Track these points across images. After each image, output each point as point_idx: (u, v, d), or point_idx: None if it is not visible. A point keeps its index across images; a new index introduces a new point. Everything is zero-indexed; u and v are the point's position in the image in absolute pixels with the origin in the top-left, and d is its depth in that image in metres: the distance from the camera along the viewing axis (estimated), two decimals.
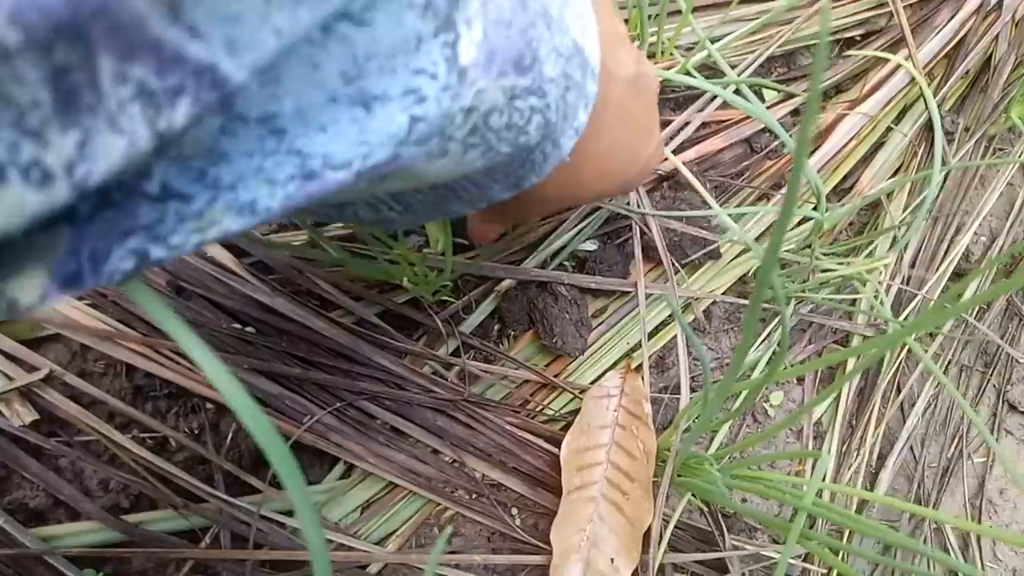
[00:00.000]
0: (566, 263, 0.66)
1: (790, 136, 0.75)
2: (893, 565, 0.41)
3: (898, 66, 0.80)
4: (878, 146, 0.80)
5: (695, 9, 0.74)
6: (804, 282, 0.69)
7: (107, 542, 0.52)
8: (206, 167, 0.18)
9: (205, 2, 0.15)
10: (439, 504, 0.59)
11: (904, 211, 0.78)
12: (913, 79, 0.80)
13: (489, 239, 0.56)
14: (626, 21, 0.71)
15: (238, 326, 0.55)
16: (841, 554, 0.66)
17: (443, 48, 0.21)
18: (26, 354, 0.52)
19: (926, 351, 0.83)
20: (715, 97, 0.74)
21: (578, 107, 0.33)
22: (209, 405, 0.55)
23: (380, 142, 0.21)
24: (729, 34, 0.73)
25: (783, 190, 0.73)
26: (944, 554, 0.44)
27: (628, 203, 0.66)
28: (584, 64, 0.31)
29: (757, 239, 0.71)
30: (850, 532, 0.70)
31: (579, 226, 0.66)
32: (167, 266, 0.55)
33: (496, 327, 0.64)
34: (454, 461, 0.59)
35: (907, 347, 0.79)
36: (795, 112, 0.77)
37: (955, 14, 0.83)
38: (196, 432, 0.55)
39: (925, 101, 0.79)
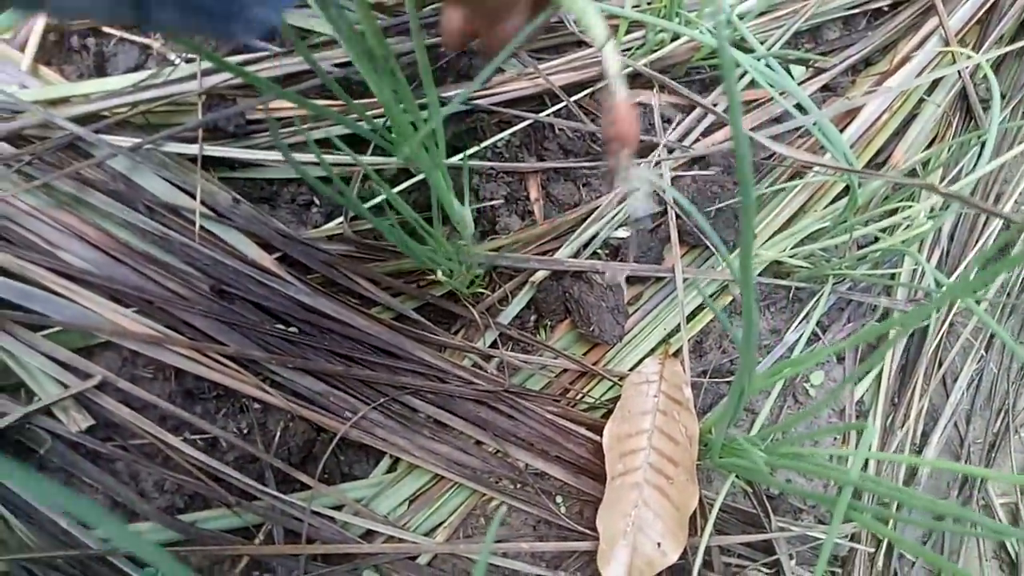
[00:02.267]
0: (599, 251, 0.66)
1: (820, 111, 0.74)
2: (945, 528, 0.41)
3: (928, 35, 0.79)
4: (911, 118, 0.78)
5: None
6: (842, 258, 0.68)
7: (165, 541, 0.53)
8: None
9: None
10: (485, 494, 0.59)
11: (941, 182, 0.76)
12: (946, 46, 0.78)
13: (455, 38, 0.46)
14: (650, 2, 0.70)
15: (281, 327, 0.56)
16: (891, 523, 0.66)
17: None
18: (80, 362, 0.54)
19: (966, 325, 0.82)
20: (742, 76, 0.73)
21: None
22: (256, 405, 0.56)
23: None
24: (753, 12, 0.72)
25: (816, 168, 0.72)
26: (993, 522, 0.44)
27: (663, 191, 0.66)
28: None
29: (789, 221, 0.70)
30: (898, 506, 0.69)
31: (612, 213, 0.66)
32: (209, 271, 0.56)
33: (533, 317, 0.64)
34: (497, 451, 0.60)
35: (948, 322, 0.78)
36: (825, 88, 0.76)
37: None
38: (245, 431, 0.56)
39: (958, 71, 0.78)
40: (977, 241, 0.77)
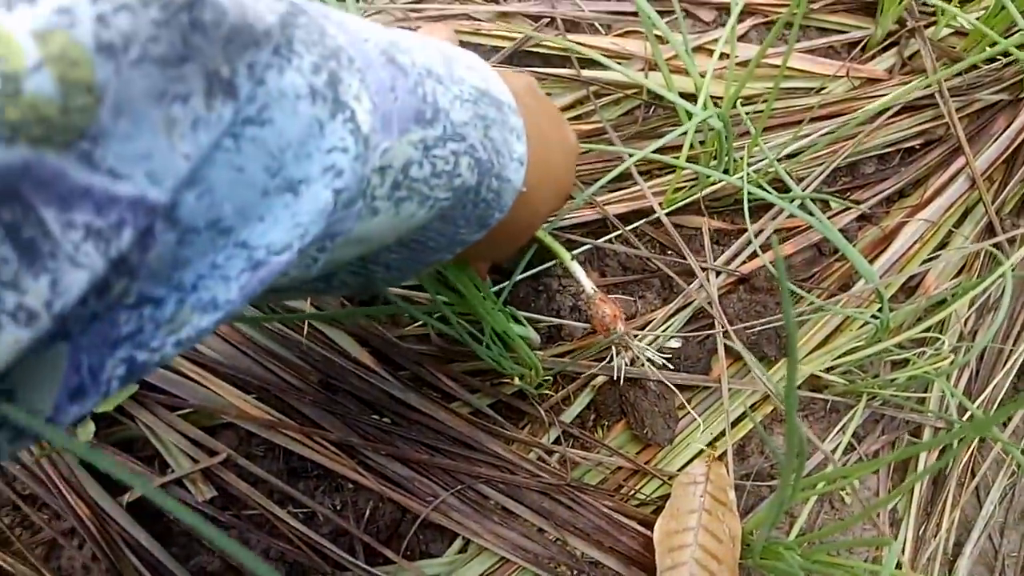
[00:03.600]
0: (652, 360, 0.74)
1: (854, 246, 0.82)
2: None
3: (957, 173, 0.87)
4: (942, 246, 0.86)
5: (768, 128, 0.83)
6: (875, 377, 0.75)
7: None
8: (171, 272, 0.21)
9: (115, 149, 0.18)
10: None
11: (969, 308, 0.83)
12: (973, 184, 0.86)
13: (484, 274, 0.61)
14: (702, 143, 0.80)
15: (376, 417, 0.65)
16: None
17: (345, 124, 0.24)
18: (207, 440, 0.63)
19: (997, 440, 0.86)
20: (782, 212, 0.81)
21: (509, 140, 0.35)
22: (350, 485, 0.65)
23: (312, 220, 0.24)
24: (800, 152, 0.82)
25: (852, 290, 0.80)
26: None
27: (710, 304, 0.74)
28: (497, 103, 0.35)
29: (827, 338, 0.78)
30: None
31: (664, 325, 0.74)
32: (318, 366, 0.65)
33: (592, 417, 0.72)
34: (557, 540, 0.66)
35: (978, 437, 0.83)
36: (860, 218, 0.84)
37: (1011, 122, 0.89)
38: (339, 508, 0.64)
39: (984, 206, 0.85)
40: (1006, 362, 0.83)
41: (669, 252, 0.79)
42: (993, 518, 0.85)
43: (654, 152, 0.70)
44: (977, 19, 0.92)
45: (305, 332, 0.66)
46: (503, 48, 0.80)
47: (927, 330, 0.75)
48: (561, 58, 0.81)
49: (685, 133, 0.72)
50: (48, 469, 0.60)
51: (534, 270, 0.73)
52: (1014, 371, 0.83)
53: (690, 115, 0.68)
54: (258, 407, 0.64)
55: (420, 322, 0.71)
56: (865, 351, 0.73)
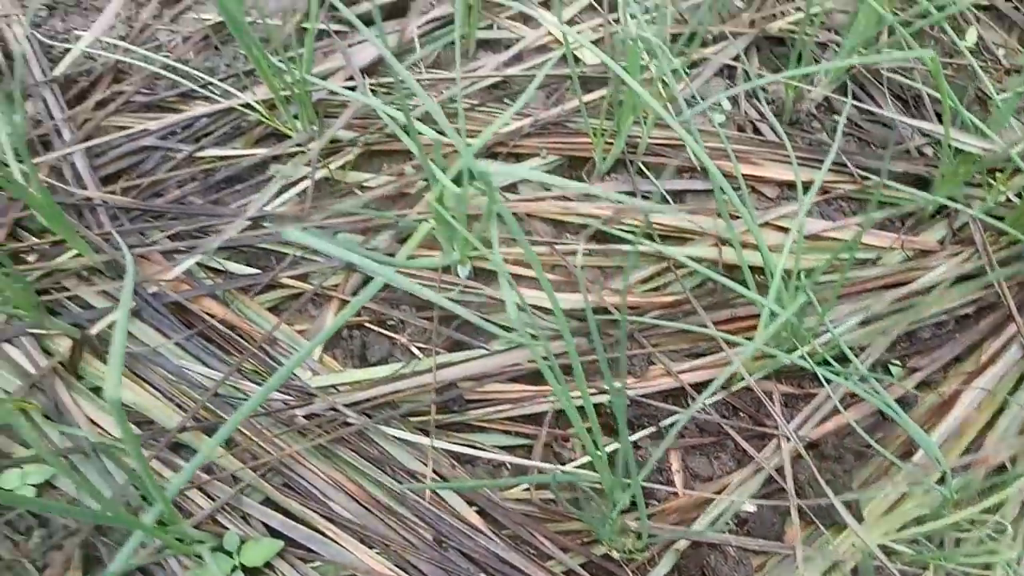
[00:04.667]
0: (730, 522, 0.80)
1: (914, 411, 0.88)
2: None
3: (1010, 339, 0.93)
4: (1000, 411, 0.91)
5: (841, 296, 0.91)
6: (940, 547, 0.80)
7: None
8: None
9: None
10: None
11: None
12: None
13: None
14: (773, 315, 0.88)
15: (484, 574, 0.72)
16: None
17: None
18: None
19: None
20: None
21: None
22: None
23: None
24: (864, 323, 0.89)
25: (915, 457, 0.85)
26: None
27: (782, 472, 0.81)
28: None
29: (894, 504, 0.83)
30: None
31: (738, 489, 0.81)
32: (433, 524, 0.73)
33: None
34: None
35: None
36: (920, 385, 0.91)
37: None
38: None
39: None
40: None
41: (741, 415, 0.86)
42: None
43: (728, 331, 0.79)
44: (1020, 195, 1.00)
45: (427, 496, 0.74)
46: (588, 226, 0.91)
47: (988, 510, 0.80)
48: (643, 233, 0.92)
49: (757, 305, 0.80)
50: None
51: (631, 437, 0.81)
52: None
53: (767, 307, 0.77)
54: (380, 562, 0.72)
55: (522, 485, 0.79)
56: (929, 524, 0.78)
